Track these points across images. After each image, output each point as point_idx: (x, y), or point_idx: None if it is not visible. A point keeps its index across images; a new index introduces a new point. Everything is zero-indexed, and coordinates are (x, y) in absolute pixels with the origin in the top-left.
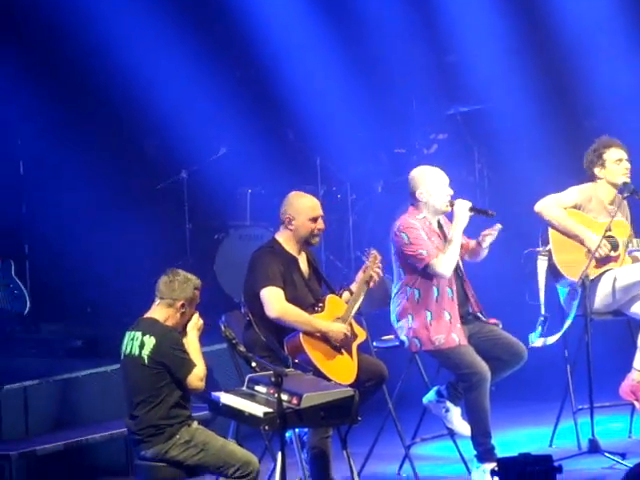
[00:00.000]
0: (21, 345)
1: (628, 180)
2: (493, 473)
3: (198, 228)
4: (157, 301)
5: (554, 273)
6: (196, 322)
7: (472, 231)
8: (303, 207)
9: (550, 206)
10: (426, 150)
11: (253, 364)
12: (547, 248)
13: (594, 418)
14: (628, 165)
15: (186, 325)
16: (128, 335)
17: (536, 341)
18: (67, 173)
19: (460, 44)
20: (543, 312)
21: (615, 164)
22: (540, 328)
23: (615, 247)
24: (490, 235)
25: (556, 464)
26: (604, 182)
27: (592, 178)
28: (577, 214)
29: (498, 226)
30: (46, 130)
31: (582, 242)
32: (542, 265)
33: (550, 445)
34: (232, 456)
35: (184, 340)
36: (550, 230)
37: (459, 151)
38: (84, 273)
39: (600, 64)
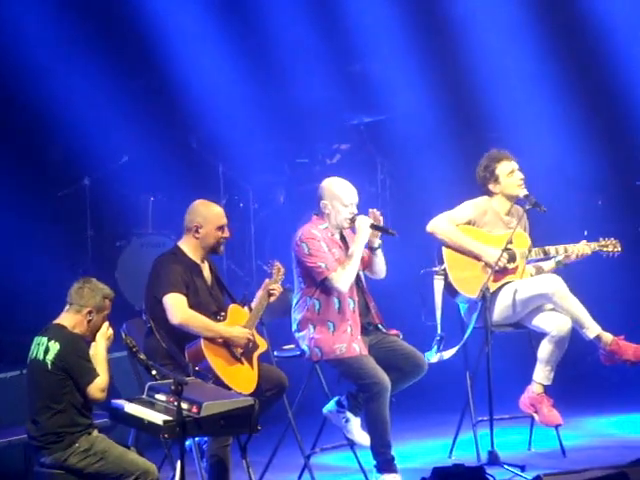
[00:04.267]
0: None
1: (527, 192)
2: None
3: (100, 235)
4: (67, 307)
5: (451, 291)
6: (105, 332)
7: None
8: (211, 215)
9: (442, 225)
10: (329, 160)
11: (153, 372)
12: (443, 267)
13: (494, 430)
14: (522, 175)
15: (96, 334)
16: (36, 340)
17: (432, 357)
18: None
19: (364, 54)
20: (439, 332)
21: (509, 177)
22: (436, 347)
23: (513, 259)
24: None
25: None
26: (500, 196)
27: (488, 194)
28: (471, 230)
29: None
30: None
31: (478, 257)
32: (439, 285)
33: (449, 456)
34: (131, 464)
35: (91, 349)
36: (444, 249)
37: (362, 161)
38: None
39: (501, 77)
